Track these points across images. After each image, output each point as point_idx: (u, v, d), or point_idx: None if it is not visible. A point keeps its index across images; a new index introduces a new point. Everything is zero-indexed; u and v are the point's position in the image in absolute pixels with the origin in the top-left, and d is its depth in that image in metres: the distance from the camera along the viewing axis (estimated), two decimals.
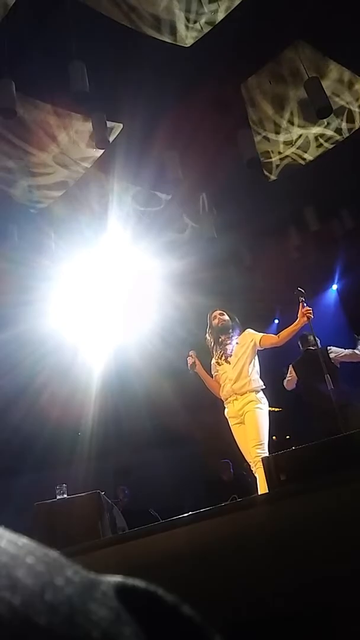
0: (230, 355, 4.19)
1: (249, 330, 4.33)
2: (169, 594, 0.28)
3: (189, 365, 4.31)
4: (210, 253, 6.90)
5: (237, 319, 4.42)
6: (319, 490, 2.04)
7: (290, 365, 5.66)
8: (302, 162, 6.15)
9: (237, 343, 4.24)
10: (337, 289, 8.93)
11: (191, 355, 4.32)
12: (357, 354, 5.45)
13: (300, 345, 5.71)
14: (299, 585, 1.74)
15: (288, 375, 5.63)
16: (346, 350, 5.49)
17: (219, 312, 4.42)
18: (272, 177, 6.25)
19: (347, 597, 1.61)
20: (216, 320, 4.34)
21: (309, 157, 6.11)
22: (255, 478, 3.94)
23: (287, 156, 6.07)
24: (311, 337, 5.22)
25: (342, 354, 5.44)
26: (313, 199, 6.92)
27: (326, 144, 6.09)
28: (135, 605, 0.26)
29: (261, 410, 3.99)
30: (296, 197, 6.71)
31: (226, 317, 4.36)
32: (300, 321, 4.17)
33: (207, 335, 4.43)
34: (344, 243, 7.50)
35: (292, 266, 7.56)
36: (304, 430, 5.62)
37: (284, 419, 5.66)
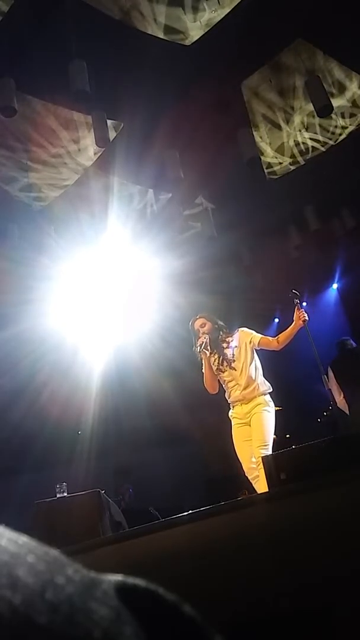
0: (233, 360, 4.04)
1: (245, 330, 4.17)
2: (170, 593, 0.28)
3: (200, 343, 4.06)
4: (211, 252, 6.90)
5: (218, 321, 4.21)
6: (319, 489, 2.05)
7: (329, 367, 5.62)
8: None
9: (235, 346, 4.09)
10: (337, 288, 8.94)
11: (206, 334, 4.08)
12: None
13: (336, 347, 5.74)
14: (298, 584, 1.74)
15: (331, 382, 5.52)
16: None
17: (199, 324, 4.17)
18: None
19: (347, 597, 1.61)
20: (202, 338, 4.09)
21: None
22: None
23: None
24: (348, 341, 5.31)
25: None
26: (313, 198, 6.92)
27: (327, 141, 6.09)
28: (136, 605, 0.26)
29: (269, 413, 3.94)
30: (296, 197, 6.71)
31: (207, 327, 4.13)
32: (296, 325, 4.03)
33: (194, 349, 4.18)
34: (344, 242, 7.51)
35: (292, 265, 7.56)
36: (304, 430, 5.63)
37: (284, 418, 5.66)
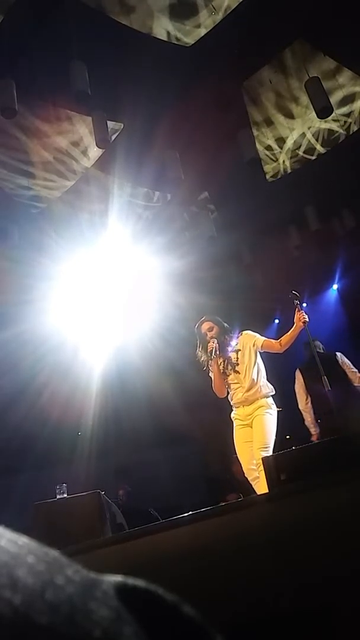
0: (237, 364, 4.05)
1: (249, 333, 4.17)
2: (170, 594, 0.28)
3: (209, 349, 4.04)
4: (211, 252, 6.90)
5: (224, 324, 4.17)
6: (319, 489, 2.05)
7: (297, 370, 5.62)
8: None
9: (239, 349, 4.09)
10: (337, 289, 8.94)
11: (214, 338, 4.05)
12: (357, 375, 5.43)
13: (305, 350, 5.69)
14: (298, 584, 1.74)
15: (297, 384, 5.55)
16: (354, 368, 5.47)
17: (206, 328, 4.14)
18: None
19: (347, 597, 1.61)
20: (212, 342, 4.05)
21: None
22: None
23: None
24: (316, 342, 5.23)
25: (350, 368, 5.43)
26: (314, 198, 6.93)
27: (326, 143, 6.10)
28: (136, 605, 0.26)
29: (271, 416, 3.95)
30: (297, 196, 6.71)
31: (215, 331, 4.10)
32: (297, 327, 4.01)
33: (198, 351, 4.19)
34: (345, 242, 7.51)
35: (292, 265, 7.56)
36: (304, 430, 5.63)
37: (284, 419, 5.67)
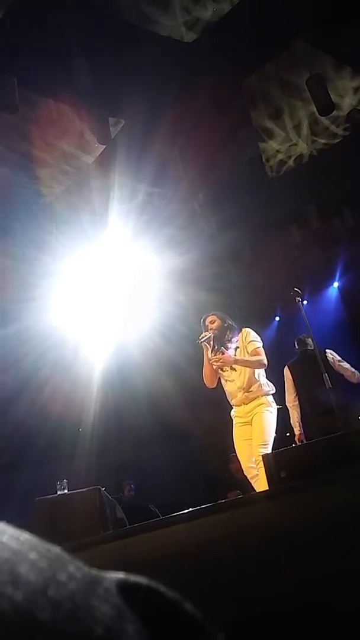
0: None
1: (249, 332, 4.20)
2: (171, 591, 0.28)
3: (202, 337, 4.11)
4: (211, 250, 6.89)
5: (228, 321, 4.24)
6: (319, 487, 2.05)
7: (286, 366, 5.63)
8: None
9: (237, 347, 4.13)
10: (338, 287, 8.93)
11: (213, 329, 4.14)
12: (354, 373, 5.39)
13: (297, 346, 5.67)
14: (298, 583, 1.75)
15: (286, 380, 5.55)
16: (347, 364, 5.43)
17: (209, 320, 4.24)
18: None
19: (347, 595, 1.61)
20: (207, 333, 4.15)
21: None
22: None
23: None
24: (309, 339, 5.19)
25: (343, 365, 5.40)
26: (315, 196, 6.91)
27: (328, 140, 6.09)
28: (138, 602, 0.26)
29: (270, 414, 3.97)
30: (298, 194, 6.70)
31: (215, 325, 4.19)
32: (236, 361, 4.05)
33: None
34: (346, 241, 7.49)
35: (293, 263, 7.56)
36: (304, 428, 5.63)
37: (283, 417, 5.68)
